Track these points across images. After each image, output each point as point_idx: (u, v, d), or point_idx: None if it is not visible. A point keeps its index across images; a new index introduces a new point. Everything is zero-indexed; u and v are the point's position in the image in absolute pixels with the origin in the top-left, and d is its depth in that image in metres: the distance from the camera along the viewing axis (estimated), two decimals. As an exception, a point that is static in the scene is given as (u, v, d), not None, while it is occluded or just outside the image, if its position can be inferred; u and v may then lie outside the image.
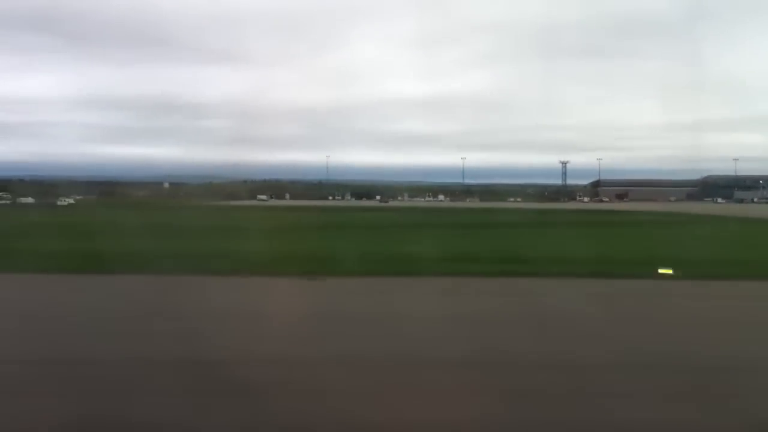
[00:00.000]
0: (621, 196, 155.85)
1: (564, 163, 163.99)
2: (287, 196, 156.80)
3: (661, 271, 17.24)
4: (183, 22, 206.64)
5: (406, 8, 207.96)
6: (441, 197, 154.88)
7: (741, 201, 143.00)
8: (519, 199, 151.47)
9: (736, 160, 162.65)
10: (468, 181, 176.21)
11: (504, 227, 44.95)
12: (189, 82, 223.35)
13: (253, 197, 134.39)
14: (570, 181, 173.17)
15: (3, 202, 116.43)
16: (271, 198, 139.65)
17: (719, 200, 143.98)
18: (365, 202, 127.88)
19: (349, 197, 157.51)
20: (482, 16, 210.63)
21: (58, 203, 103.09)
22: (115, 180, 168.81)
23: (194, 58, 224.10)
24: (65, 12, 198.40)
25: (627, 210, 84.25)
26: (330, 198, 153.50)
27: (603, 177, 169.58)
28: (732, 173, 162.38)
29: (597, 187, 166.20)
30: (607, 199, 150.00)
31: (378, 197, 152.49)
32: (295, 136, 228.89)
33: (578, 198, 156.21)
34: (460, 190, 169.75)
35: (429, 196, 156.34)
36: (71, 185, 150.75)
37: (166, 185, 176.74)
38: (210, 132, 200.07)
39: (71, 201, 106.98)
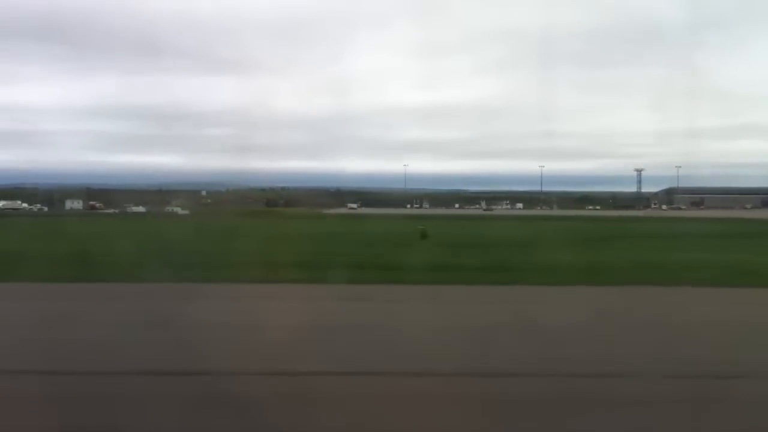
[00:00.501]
0: (697, 204, 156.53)
1: (639, 171, 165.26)
2: (359, 204, 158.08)
3: None
4: (190, 32, 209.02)
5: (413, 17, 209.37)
6: (519, 205, 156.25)
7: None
8: (598, 207, 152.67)
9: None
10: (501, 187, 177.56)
11: (720, 237, 45.29)
12: (194, 90, 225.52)
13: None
14: (587, 189, 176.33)
15: (110, 211, 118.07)
16: (360, 206, 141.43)
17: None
18: (462, 211, 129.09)
19: (426, 205, 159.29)
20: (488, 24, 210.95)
21: (178, 212, 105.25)
22: (144, 188, 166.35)
23: (199, 68, 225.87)
24: (71, 21, 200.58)
25: (744, 218, 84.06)
26: (408, 206, 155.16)
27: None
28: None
29: (671, 195, 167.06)
30: (684, 207, 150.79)
31: (457, 205, 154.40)
32: (303, 144, 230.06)
33: (653, 206, 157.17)
34: (530, 197, 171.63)
35: (507, 204, 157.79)
36: (99, 193, 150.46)
37: (204, 193, 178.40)
38: (216, 140, 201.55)
39: (184, 210, 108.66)
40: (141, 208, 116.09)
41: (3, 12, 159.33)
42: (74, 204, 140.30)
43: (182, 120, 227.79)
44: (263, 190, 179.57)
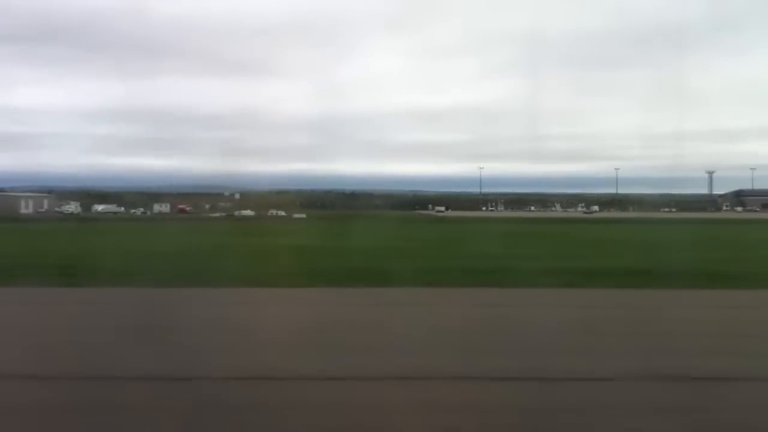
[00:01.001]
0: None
1: (710, 173, 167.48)
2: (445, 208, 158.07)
3: None
4: (192, 35, 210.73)
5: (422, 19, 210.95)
6: (595, 208, 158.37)
7: None
8: (673, 210, 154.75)
9: None
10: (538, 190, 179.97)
11: None
12: (195, 93, 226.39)
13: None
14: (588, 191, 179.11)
15: (218, 214, 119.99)
16: (447, 209, 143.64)
17: None
18: (565, 214, 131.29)
19: (501, 207, 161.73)
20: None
21: (295, 216, 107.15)
22: (153, 191, 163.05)
23: (201, 70, 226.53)
24: (73, 25, 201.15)
25: None
26: (484, 208, 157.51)
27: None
28: None
29: (740, 197, 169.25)
30: (758, 209, 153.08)
31: (532, 207, 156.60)
32: (305, 146, 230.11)
33: (725, 208, 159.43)
34: (592, 199, 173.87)
35: (583, 206, 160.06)
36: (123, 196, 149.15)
37: (237, 196, 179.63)
38: (219, 142, 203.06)
39: (299, 214, 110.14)
40: (249, 212, 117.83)
41: (4, 15, 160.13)
42: (162, 207, 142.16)
43: (182, 122, 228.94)
44: (278, 192, 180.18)
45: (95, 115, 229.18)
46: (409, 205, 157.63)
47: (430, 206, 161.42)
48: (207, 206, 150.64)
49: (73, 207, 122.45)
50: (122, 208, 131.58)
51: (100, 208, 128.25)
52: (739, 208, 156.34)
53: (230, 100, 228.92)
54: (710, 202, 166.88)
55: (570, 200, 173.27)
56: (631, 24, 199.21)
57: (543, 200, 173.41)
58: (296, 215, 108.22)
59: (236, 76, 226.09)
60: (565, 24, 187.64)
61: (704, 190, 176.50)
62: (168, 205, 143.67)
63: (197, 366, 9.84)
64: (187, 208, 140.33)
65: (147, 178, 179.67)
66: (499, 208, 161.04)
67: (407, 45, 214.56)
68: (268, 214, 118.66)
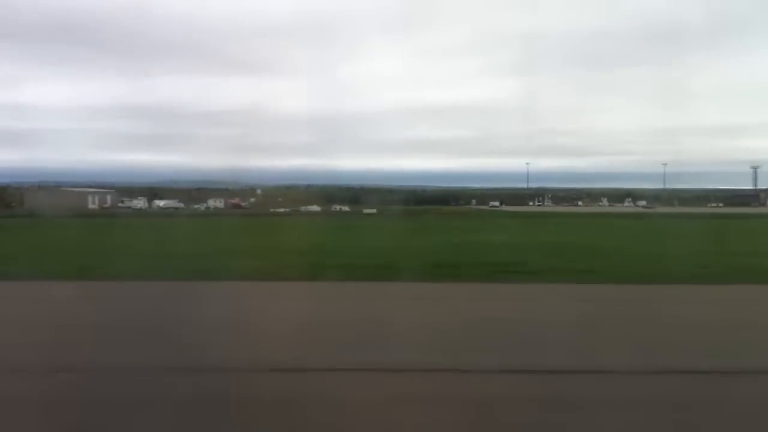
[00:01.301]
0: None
1: (755, 168, 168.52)
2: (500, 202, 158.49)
3: None
4: (196, 33, 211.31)
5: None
6: (643, 203, 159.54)
7: None
8: (721, 205, 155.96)
9: None
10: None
11: None
12: (203, 90, 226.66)
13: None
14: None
15: (282, 210, 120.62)
16: (502, 204, 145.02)
17: None
18: (622, 209, 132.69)
19: (548, 202, 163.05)
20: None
21: (366, 212, 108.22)
22: (164, 186, 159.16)
23: (208, 69, 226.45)
24: (81, 23, 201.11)
25: None
26: (531, 204, 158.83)
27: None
28: None
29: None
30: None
31: (580, 202, 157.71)
32: (307, 143, 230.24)
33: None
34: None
35: (629, 202, 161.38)
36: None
37: (259, 191, 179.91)
38: (229, 139, 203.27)
39: (369, 210, 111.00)
40: (316, 208, 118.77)
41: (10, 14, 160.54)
42: (216, 203, 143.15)
43: (184, 119, 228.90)
44: (287, 188, 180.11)
45: (98, 113, 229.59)
46: (432, 201, 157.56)
47: (473, 201, 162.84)
48: (257, 201, 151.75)
49: (141, 203, 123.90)
50: (182, 204, 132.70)
51: (161, 203, 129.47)
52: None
53: (236, 97, 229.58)
54: (753, 197, 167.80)
55: (604, 195, 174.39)
56: (644, 22, 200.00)
57: (563, 195, 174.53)
58: (366, 211, 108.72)
59: (241, 74, 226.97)
60: (581, 23, 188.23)
61: (743, 185, 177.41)
62: (222, 201, 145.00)
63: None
64: (242, 204, 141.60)
65: (151, 173, 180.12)
66: (546, 203, 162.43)
67: (412, 44, 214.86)
68: (332, 209, 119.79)
